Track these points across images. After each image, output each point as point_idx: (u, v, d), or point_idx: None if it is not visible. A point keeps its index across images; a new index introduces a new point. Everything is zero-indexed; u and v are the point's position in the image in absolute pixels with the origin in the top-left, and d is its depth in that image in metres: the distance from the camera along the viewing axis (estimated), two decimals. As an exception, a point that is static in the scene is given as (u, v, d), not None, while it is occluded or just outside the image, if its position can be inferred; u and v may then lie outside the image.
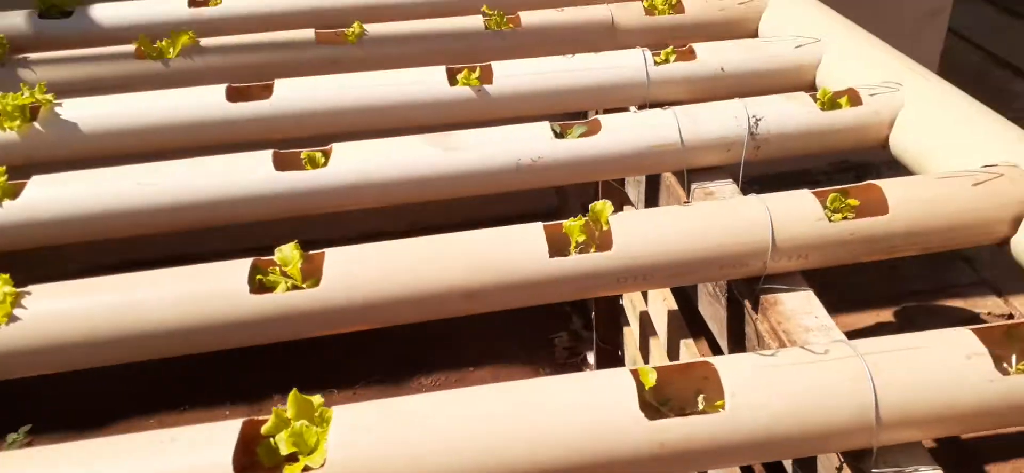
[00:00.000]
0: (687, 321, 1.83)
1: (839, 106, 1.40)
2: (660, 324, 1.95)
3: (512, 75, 1.45)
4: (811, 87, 1.57)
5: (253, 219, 1.16)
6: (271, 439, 0.76)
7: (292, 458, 0.74)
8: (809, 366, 0.86)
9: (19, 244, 1.12)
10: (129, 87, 1.44)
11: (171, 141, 1.32)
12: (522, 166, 1.26)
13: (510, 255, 1.03)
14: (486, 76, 1.44)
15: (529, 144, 1.27)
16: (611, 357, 2.40)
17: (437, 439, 0.76)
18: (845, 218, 1.13)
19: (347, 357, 2.32)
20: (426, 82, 1.41)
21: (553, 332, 2.50)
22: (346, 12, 1.68)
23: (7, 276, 0.92)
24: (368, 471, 0.73)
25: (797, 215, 1.10)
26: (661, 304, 1.91)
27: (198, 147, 1.29)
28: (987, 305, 2.80)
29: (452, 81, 1.43)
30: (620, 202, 1.91)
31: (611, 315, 2.36)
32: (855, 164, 3.44)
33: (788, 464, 1.03)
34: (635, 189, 1.77)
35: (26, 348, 0.91)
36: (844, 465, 0.91)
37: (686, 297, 1.54)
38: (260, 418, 0.76)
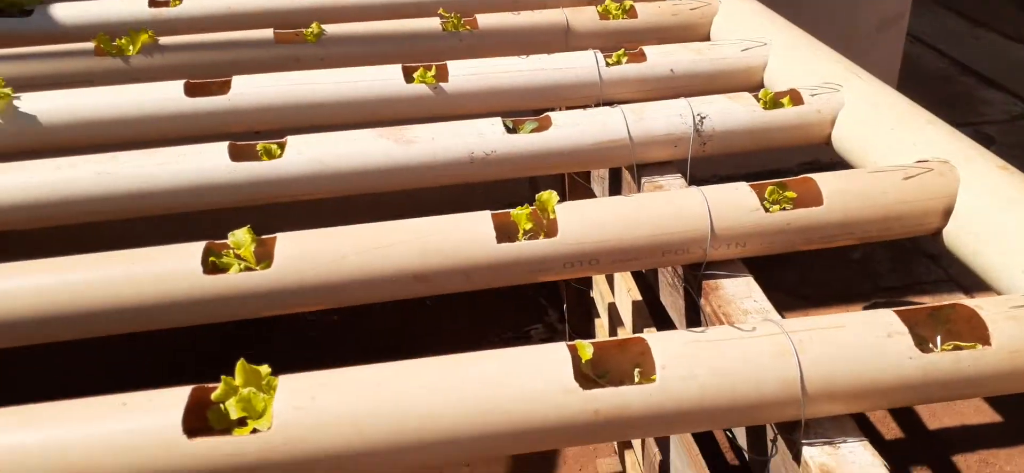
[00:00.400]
0: (651, 311, 1.88)
1: (781, 106, 1.46)
2: (626, 314, 2.00)
3: (467, 74, 1.50)
4: (758, 89, 1.63)
5: (209, 207, 1.18)
6: (221, 405, 0.78)
7: (241, 422, 0.77)
8: (737, 341, 0.90)
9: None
10: (89, 84, 1.46)
11: (130, 135, 1.34)
12: (475, 159, 1.30)
13: (459, 240, 1.06)
14: (442, 74, 1.48)
15: (482, 138, 1.31)
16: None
17: (380, 407, 0.79)
18: (783, 209, 1.18)
19: (323, 352, 2.33)
20: (382, 79, 1.45)
21: (529, 325, 2.55)
22: (305, 13, 1.71)
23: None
24: (312, 435, 0.76)
25: (735, 205, 1.15)
26: (626, 295, 1.96)
27: (156, 141, 1.31)
28: (953, 301, 2.88)
29: (408, 78, 1.46)
30: (586, 197, 1.96)
31: (582, 307, 2.41)
32: (825, 164, 3.53)
33: (742, 438, 1.07)
34: (599, 185, 1.83)
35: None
36: (778, 436, 0.96)
37: (649, 288, 1.59)
38: (209, 386, 0.79)
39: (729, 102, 1.43)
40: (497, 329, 2.51)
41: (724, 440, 2.27)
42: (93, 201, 1.15)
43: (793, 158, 3.53)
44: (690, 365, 0.87)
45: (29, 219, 1.16)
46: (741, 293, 1.14)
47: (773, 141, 1.45)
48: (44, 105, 1.32)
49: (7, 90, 1.30)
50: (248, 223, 1.03)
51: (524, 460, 2.19)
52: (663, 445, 1.67)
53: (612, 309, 2.15)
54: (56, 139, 1.32)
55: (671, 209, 1.13)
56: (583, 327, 2.47)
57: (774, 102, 1.46)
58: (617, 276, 2.01)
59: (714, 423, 0.90)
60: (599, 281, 2.25)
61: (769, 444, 0.98)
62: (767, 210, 1.17)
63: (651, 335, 0.90)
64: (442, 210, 1.10)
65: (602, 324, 2.32)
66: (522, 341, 2.54)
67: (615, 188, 1.64)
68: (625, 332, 2.04)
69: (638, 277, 1.95)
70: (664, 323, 1.73)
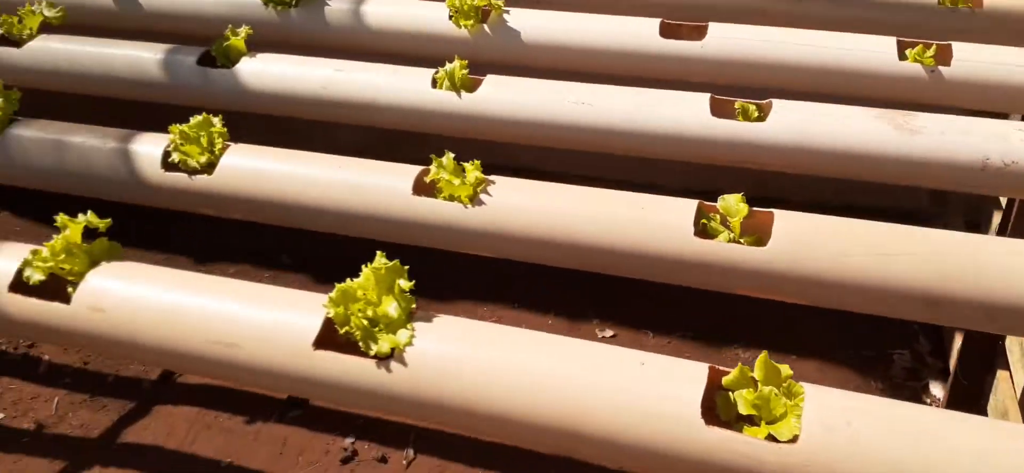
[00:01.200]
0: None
1: None
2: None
3: (974, 60, 1.24)
4: None
5: (684, 159, 1.12)
6: (730, 393, 0.71)
7: (750, 420, 0.69)
8: None
9: (469, 135, 1.19)
10: (564, 7, 1.45)
11: (604, 65, 1.32)
12: (989, 167, 1.07)
13: (994, 268, 0.86)
14: (943, 56, 1.25)
15: (1003, 142, 1.07)
16: (970, 399, 2.05)
17: (925, 461, 0.65)
18: None
19: (664, 306, 2.23)
20: (871, 50, 1.26)
21: (893, 347, 2.20)
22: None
23: (479, 162, 0.98)
24: (845, 467, 0.65)
25: None
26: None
27: (627, 77, 1.28)
28: None
29: (901, 55, 1.26)
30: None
31: (983, 351, 2.00)
32: None
33: None
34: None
35: (482, 230, 0.96)
36: None
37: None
38: (723, 368, 0.71)
39: None
40: (853, 339, 2.20)
41: None
42: (572, 129, 1.15)
43: None
44: None
45: (516, 134, 1.19)
46: None
47: None
48: (527, 22, 1.35)
49: (499, 2, 1.35)
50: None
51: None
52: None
53: (1037, 367, 1.74)
54: (533, 57, 1.34)
55: None
56: (977, 375, 2.06)
57: None
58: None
59: None
60: None
61: None
62: None
63: None
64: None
65: (1007, 379, 1.91)
66: (882, 363, 2.21)
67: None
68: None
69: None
70: None
